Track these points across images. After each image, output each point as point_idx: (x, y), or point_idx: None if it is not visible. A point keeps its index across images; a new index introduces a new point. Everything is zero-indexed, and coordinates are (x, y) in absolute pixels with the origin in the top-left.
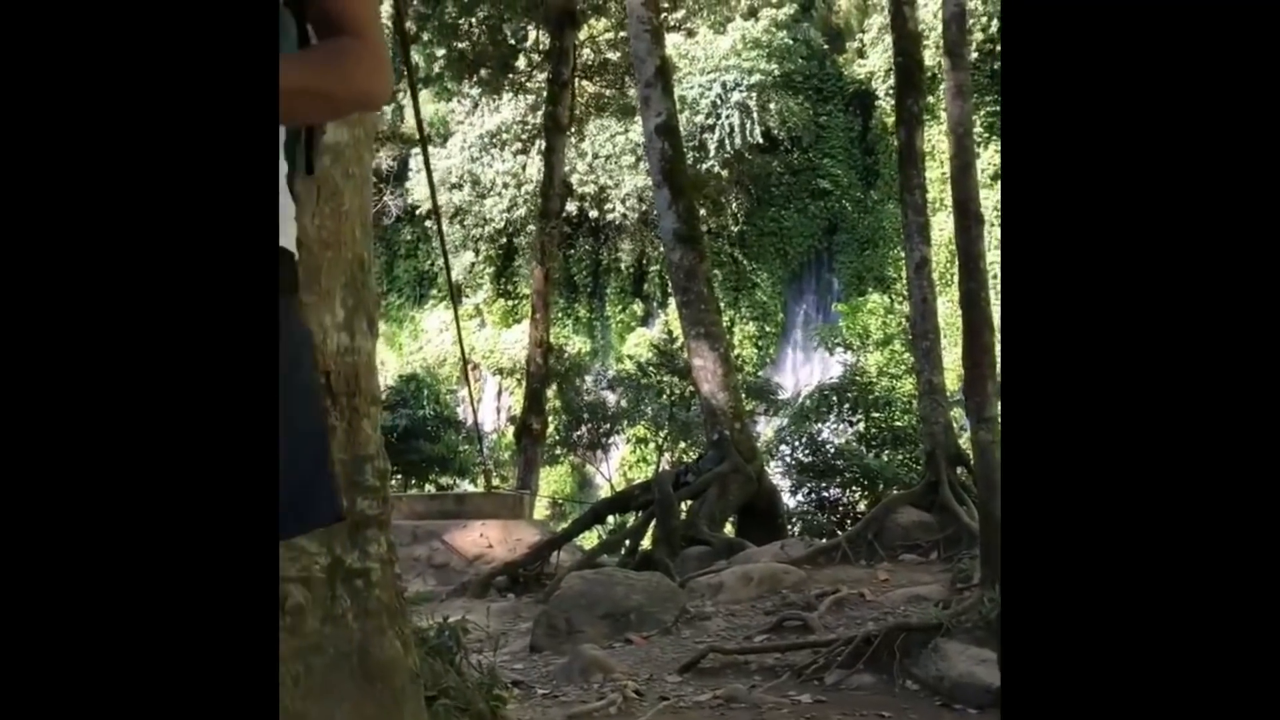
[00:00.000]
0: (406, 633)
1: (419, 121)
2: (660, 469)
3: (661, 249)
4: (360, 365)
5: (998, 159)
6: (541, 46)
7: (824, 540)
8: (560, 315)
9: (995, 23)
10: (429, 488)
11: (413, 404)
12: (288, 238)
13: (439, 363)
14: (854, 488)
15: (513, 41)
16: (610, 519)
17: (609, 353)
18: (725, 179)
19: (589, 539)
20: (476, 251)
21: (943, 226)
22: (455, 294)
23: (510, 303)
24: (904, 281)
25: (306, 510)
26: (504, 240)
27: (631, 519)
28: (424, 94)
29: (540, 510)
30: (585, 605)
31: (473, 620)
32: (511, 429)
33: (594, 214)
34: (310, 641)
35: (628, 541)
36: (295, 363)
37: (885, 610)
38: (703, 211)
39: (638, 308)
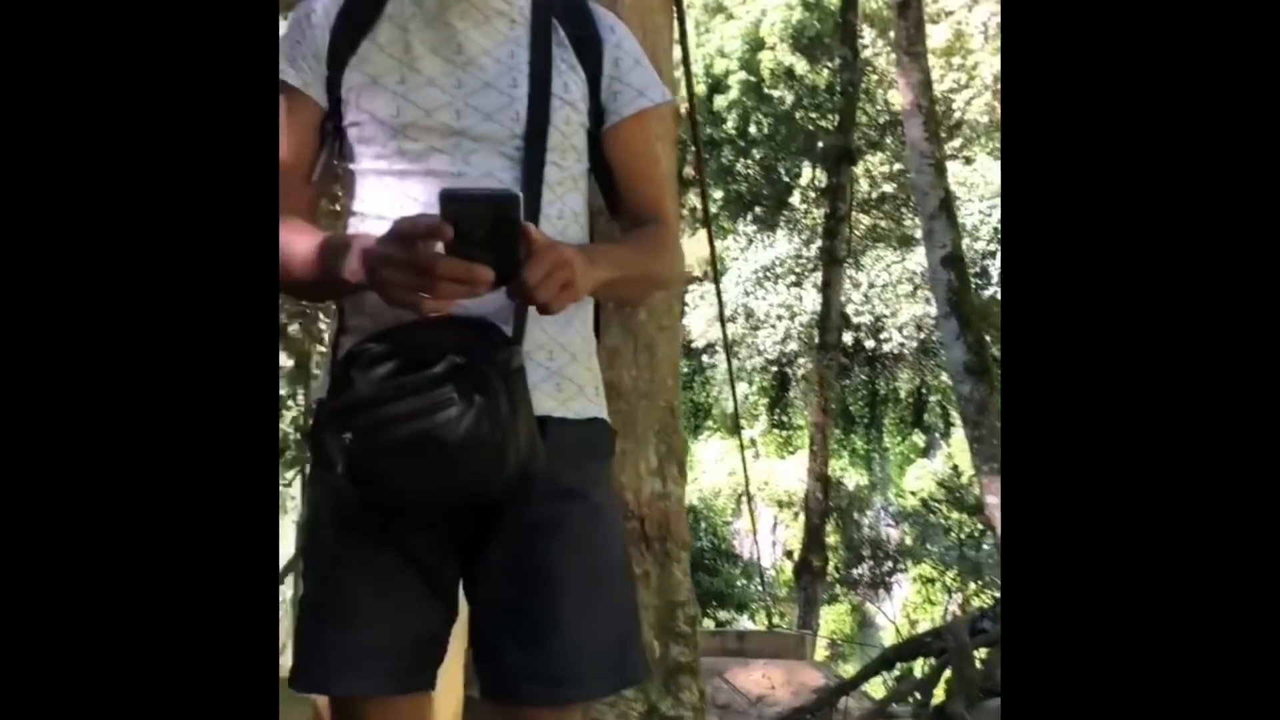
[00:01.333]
0: None
1: (713, 260)
2: (949, 612)
3: (943, 378)
4: (671, 510)
5: None
6: (817, 183)
7: None
8: (836, 447)
9: None
10: (708, 623)
11: (689, 537)
12: (600, 407)
13: (714, 494)
14: None
15: (788, 180)
16: (897, 665)
17: (888, 486)
18: None
19: (876, 686)
20: (750, 383)
21: None
22: (737, 425)
23: (785, 434)
24: None
25: (614, 673)
26: (778, 371)
27: (922, 666)
28: (701, 234)
29: (819, 650)
30: None
31: None
32: (788, 564)
33: (870, 343)
34: None
35: (918, 692)
36: (610, 534)
37: None
38: (988, 339)
39: (918, 439)
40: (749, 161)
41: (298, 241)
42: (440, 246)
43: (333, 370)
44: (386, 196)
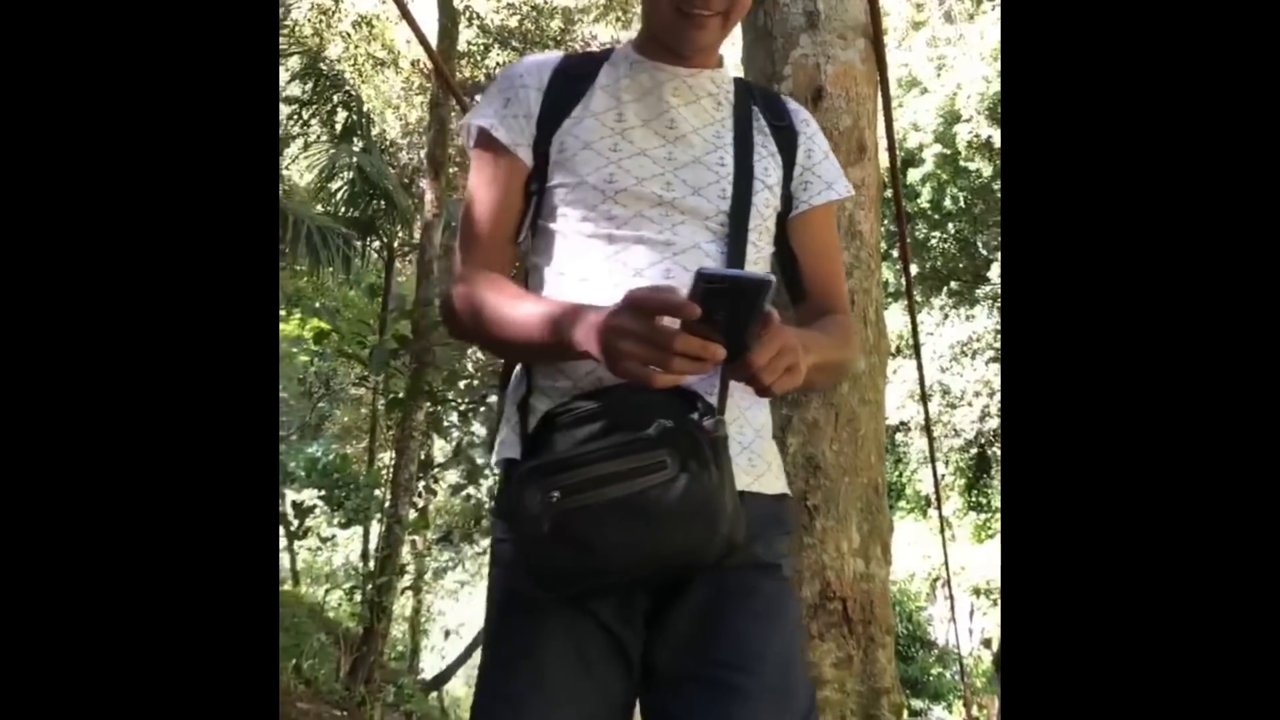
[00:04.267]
0: None
1: (914, 333)
2: None
3: None
4: (875, 593)
5: None
6: None
7: None
8: None
9: None
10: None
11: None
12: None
13: (908, 578)
14: None
15: (985, 253)
16: None
17: None
18: None
19: None
20: (946, 462)
21: None
22: (935, 506)
23: (983, 516)
24: None
25: None
26: (976, 451)
27: None
28: (895, 308)
29: None
30: None
31: None
32: (987, 653)
33: None
34: None
35: None
36: (796, 610)
37: None
38: None
39: None
40: (944, 234)
41: (516, 304)
42: (677, 322)
43: (528, 431)
44: (593, 260)
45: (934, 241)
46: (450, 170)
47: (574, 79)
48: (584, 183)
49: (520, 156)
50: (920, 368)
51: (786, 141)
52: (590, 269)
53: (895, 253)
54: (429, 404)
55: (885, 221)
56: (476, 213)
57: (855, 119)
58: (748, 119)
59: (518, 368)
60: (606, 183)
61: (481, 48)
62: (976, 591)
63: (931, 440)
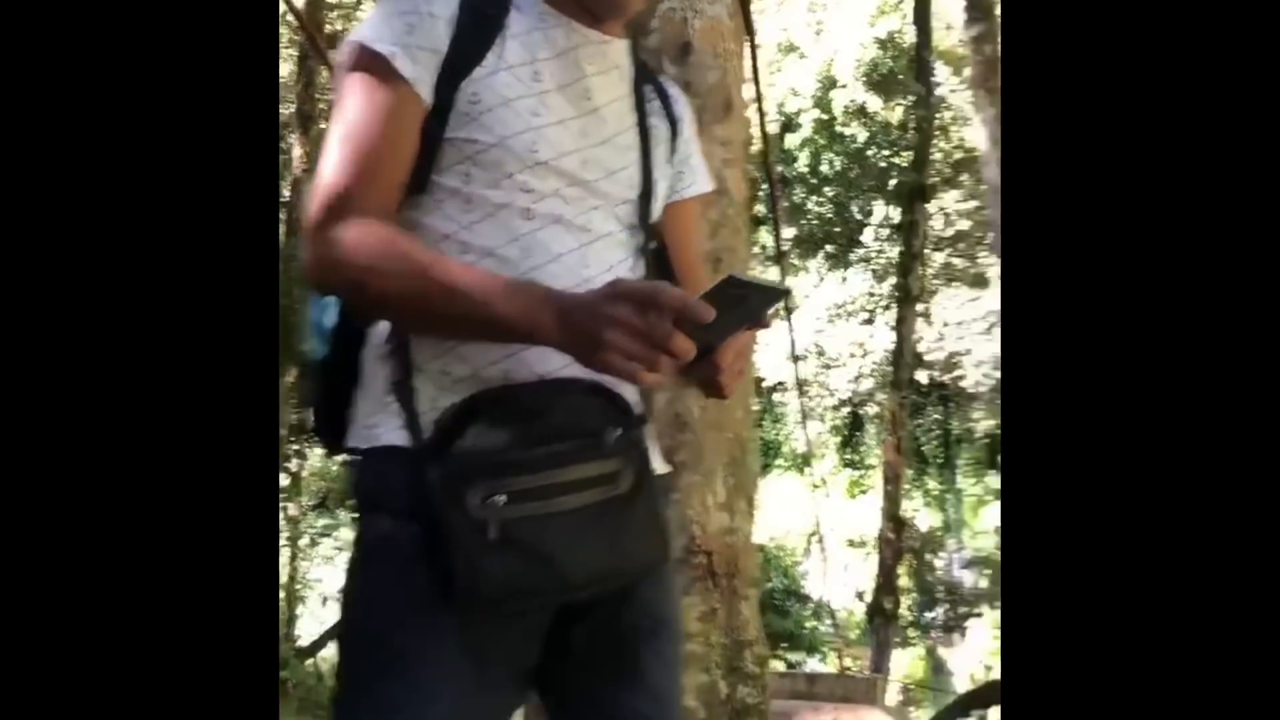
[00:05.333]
0: None
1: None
2: None
3: None
4: (739, 546)
5: None
6: (890, 221)
7: None
8: (909, 487)
9: None
10: (777, 665)
11: (760, 577)
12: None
13: (784, 534)
14: None
15: (860, 218)
16: (973, 712)
17: (961, 528)
18: None
19: None
20: (821, 421)
21: None
22: (808, 465)
23: (857, 474)
24: None
25: None
26: (849, 410)
27: (998, 715)
28: (773, 272)
29: (891, 695)
30: None
31: None
32: (860, 606)
33: (944, 382)
34: None
35: None
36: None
37: None
38: None
39: (993, 481)
40: (821, 199)
41: (444, 268)
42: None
43: (418, 416)
44: (503, 234)
45: (811, 205)
46: (320, 125)
47: (481, 19)
48: (502, 144)
49: (422, 95)
50: (791, 329)
51: (672, 127)
52: (499, 244)
53: (776, 218)
54: (296, 366)
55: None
56: (365, 147)
57: (723, 75)
58: (643, 99)
59: (378, 334)
60: (529, 150)
61: (354, 0)
62: (850, 545)
63: (802, 401)
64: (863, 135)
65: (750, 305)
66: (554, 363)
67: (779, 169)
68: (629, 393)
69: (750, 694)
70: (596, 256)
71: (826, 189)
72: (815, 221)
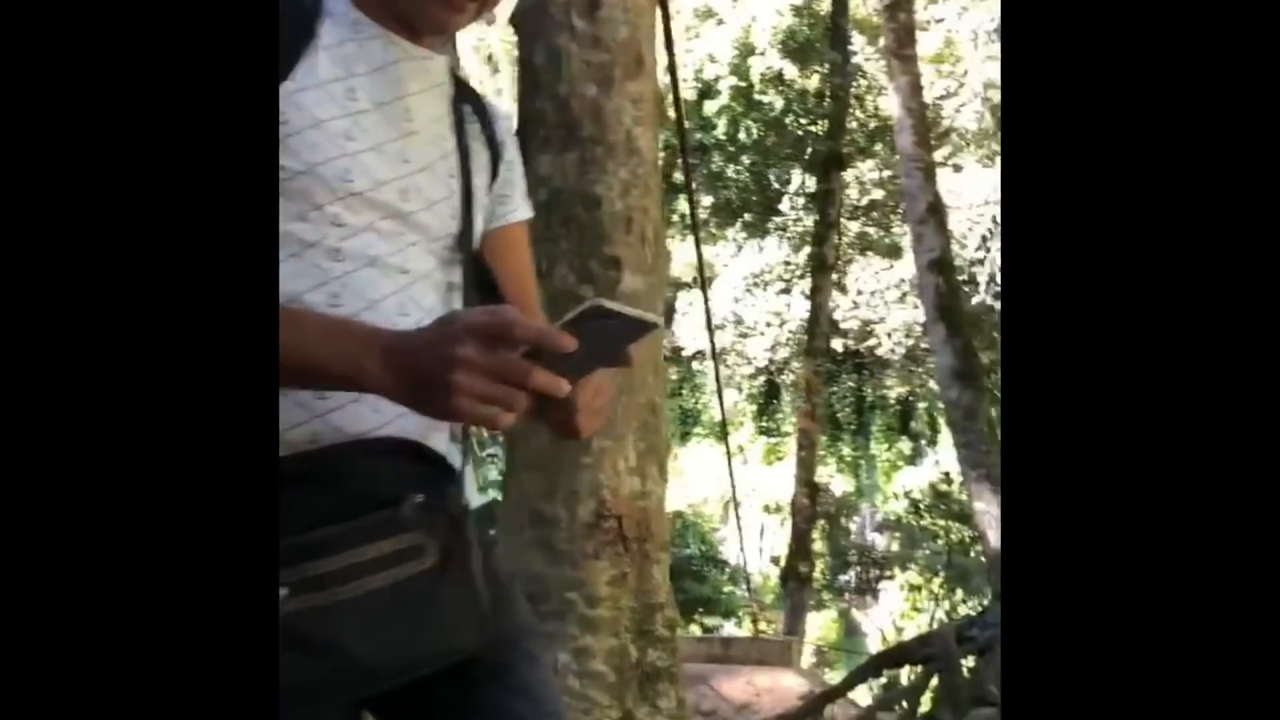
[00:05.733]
0: None
1: (700, 267)
2: (936, 620)
3: (931, 385)
4: (651, 510)
5: None
6: (806, 190)
7: None
8: (824, 454)
9: None
10: (694, 629)
11: (677, 543)
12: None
13: (702, 501)
14: None
15: (778, 186)
16: (884, 673)
17: (875, 493)
18: (998, 313)
19: (862, 693)
20: (739, 390)
21: None
22: (725, 432)
23: (773, 441)
24: None
25: None
26: (766, 379)
27: (909, 674)
28: (689, 240)
29: (805, 657)
30: None
31: None
32: (776, 570)
33: (858, 349)
34: None
35: (905, 700)
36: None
37: None
38: (976, 345)
39: (905, 446)
40: (739, 167)
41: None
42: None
43: None
44: (311, 277)
45: (729, 173)
46: None
47: (289, 26)
48: (310, 172)
49: None
50: (706, 299)
51: (492, 149)
52: (306, 288)
53: (689, 183)
54: None
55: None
56: None
57: (633, 31)
58: (462, 119)
59: None
60: (340, 179)
61: None
62: (766, 510)
63: (718, 369)
64: (780, 103)
65: (615, 336)
66: (368, 421)
67: (697, 136)
68: (440, 444)
69: (661, 657)
70: (415, 301)
71: (744, 157)
72: (733, 189)
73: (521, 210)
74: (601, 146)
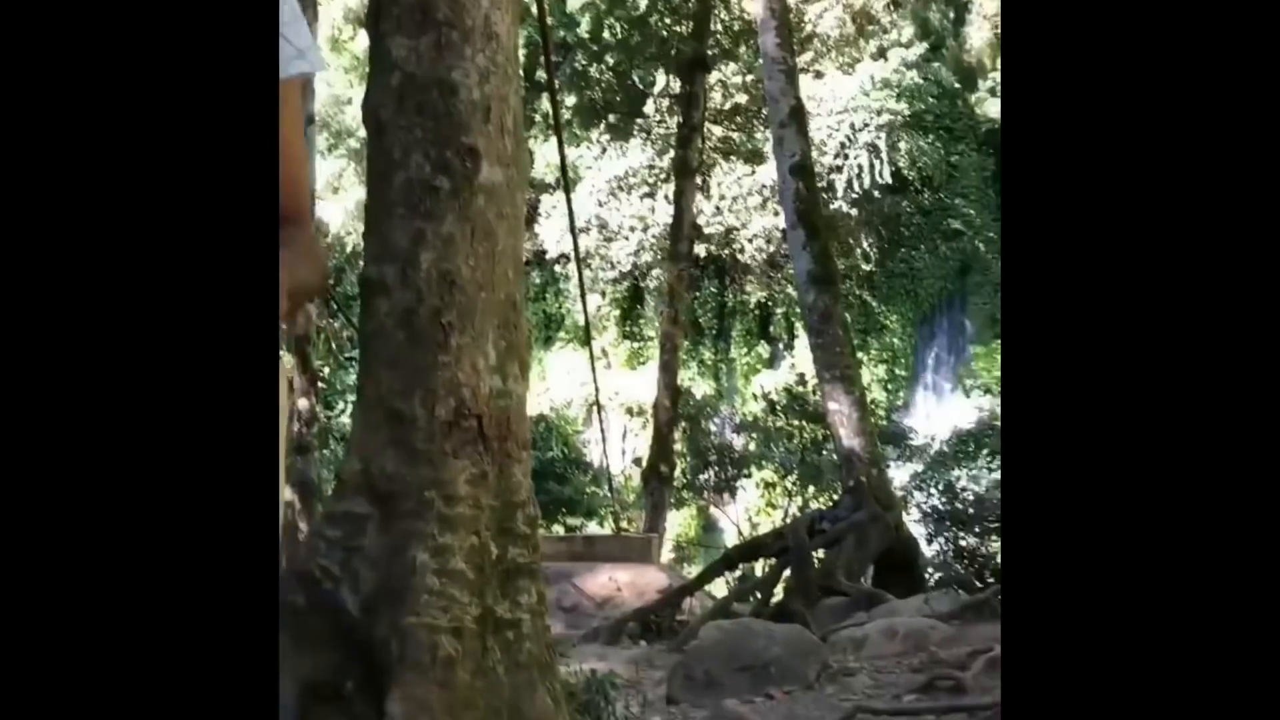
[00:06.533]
0: (557, 687)
1: (564, 167)
2: (790, 515)
3: (789, 290)
4: (512, 409)
5: None
6: (671, 92)
7: (971, 594)
8: (685, 357)
9: None
10: (557, 529)
11: (541, 445)
12: None
13: (566, 404)
14: (993, 537)
15: (642, 88)
16: (739, 566)
17: (734, 395)
18: (854, 220)
19: (719, 586)
20: (603, 294)
21: None
22: (588, 336)
23: (636, 345)
24: None
25: None
26: (630, 283)
27: (763, 566)
28: (553, 141)
29: (665, 553)
30: (723, 657)
31: (608, 667)
32: (638, 471)
33: (721, 255)
34: (461, 695)
35: (759, 591)
36: None
37: None
38: (833, 250)
39: (763, 350)
40: (603, 67)
41: None
42: None
43: None
44: None
45: (593, 73)
46: None
47: None
48: None
49: None
50: (569, 201)
51: None
52: None
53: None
54: None
55: (542, 53)
56: None
57: None
58: None
59: None
60: None
61: None
62: (629, 413)
63: (582, 273)
64: (644, 1)
65: None
66: None
67: (560, 33)
68: None
69: (522, 554)
70: None
71: (608, 56)
72: (597, 90)
73: (296, 64)
74: (458, 31)
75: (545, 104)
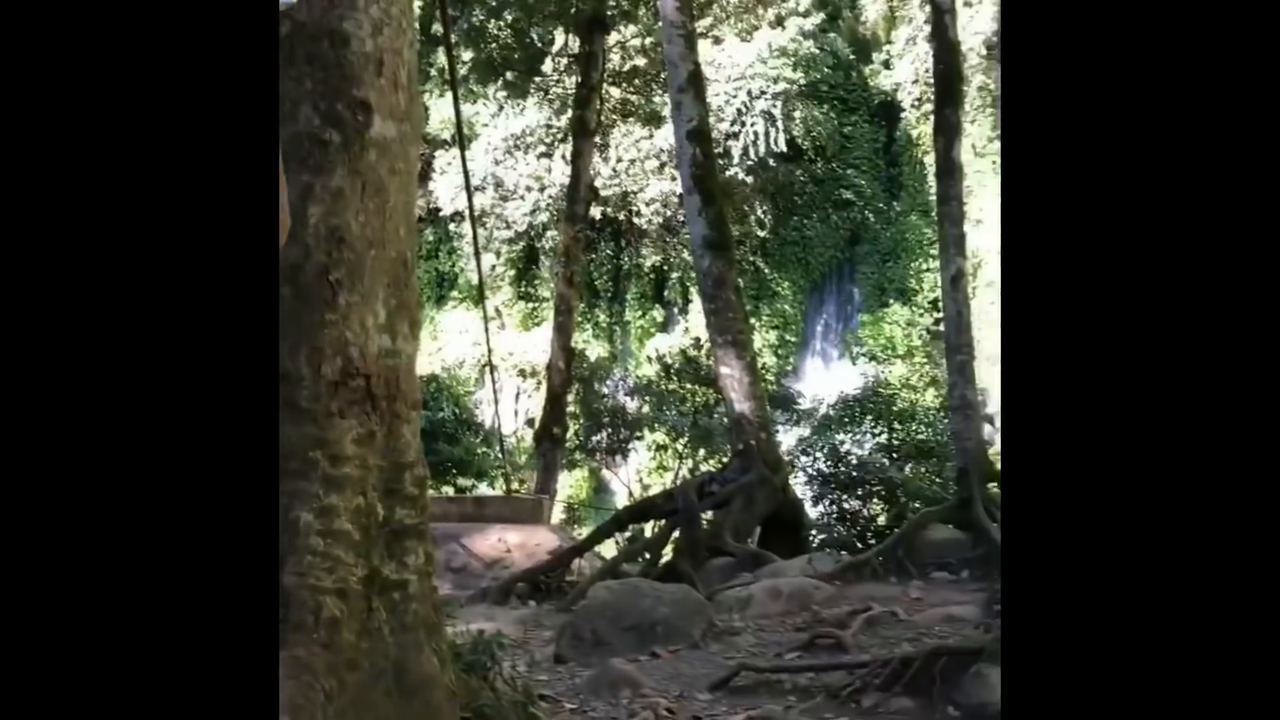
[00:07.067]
0: (443, 647)
1: (459, 123)
2: (680, 477)
3: (684, 254)
4: (401, 369)
5: None
6: (570, 51)
7: (853, 555)
8: (580, 320)
9: None
10: (447, 490)
11: (432, 406)
12: None
13: (458, 364)
14: (875, 501)
15: (540, 45)
16: (629, 527)
17: (628, 358)
18: (749, 187)
19: (609, 547)
20: (498, 254)
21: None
22: (481, 296)
23: (530, 306)
24: (925, 294)
25: None
26: (525, 244)
27: (652, 528)
28: (448, 97)
29: (556, 515)
30: (611, 616)
31: (496, 627)
32: (530, 432)
33: (617, 218)
34: (346, 656)
35: (648, 551)
36: None
37: (920, 630)
38: (728, 216)
39: (658, 314)
40: (500, 23)
41: None
42: None
43: None
44: None
45: (490, 29)
46: None
47: None
48: None
49: None
50: (464, 159)
51: None
52: None
53: (447, 35)
54: None
55: (437, 6)
56: None
57: None
58: None
59: None
60: None
61: None
62: (523, 374)
63: (476, 232)
64: None
65: None
66: None
67: None
68: None
69: (409, 515)
70: None
71: (506, 12)
72: (494, 46)
73: None
74: None
75: (441, 59)
